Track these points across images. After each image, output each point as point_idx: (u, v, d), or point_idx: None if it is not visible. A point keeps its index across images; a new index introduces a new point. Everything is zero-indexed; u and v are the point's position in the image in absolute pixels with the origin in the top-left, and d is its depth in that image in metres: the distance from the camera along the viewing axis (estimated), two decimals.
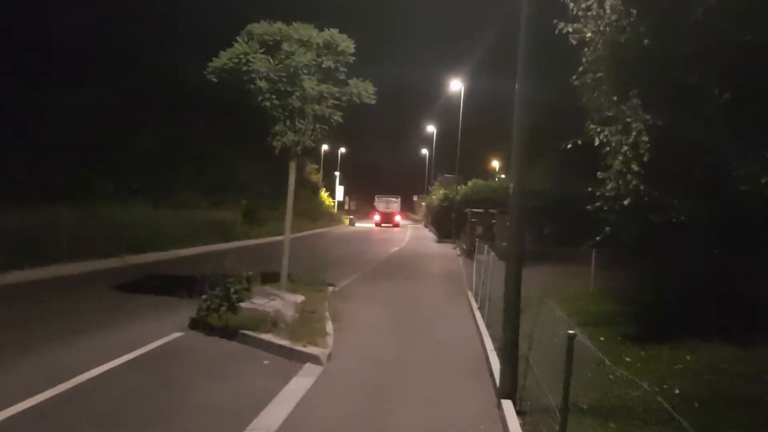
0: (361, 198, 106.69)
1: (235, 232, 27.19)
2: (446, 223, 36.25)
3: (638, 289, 12.11)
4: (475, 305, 11.44)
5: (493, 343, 7.94)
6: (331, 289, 12.58)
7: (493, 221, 26.13)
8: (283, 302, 8.29)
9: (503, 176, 44.22)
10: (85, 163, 21.15)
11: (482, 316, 10.03)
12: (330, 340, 7.82)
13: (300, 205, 48.00)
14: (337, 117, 10.00)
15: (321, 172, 64.87)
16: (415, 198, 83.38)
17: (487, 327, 9.08)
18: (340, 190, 72.69)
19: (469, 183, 36.65)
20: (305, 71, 9.21)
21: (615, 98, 7.31)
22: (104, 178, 21.87)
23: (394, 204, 60.28)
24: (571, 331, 4.20)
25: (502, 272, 10.40)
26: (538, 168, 35.86)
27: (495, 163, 61.58)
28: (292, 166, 10.39)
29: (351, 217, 64.87)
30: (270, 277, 11.48)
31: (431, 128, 57.10)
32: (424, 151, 71.14)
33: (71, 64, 23.03)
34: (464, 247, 25.50)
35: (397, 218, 60.24)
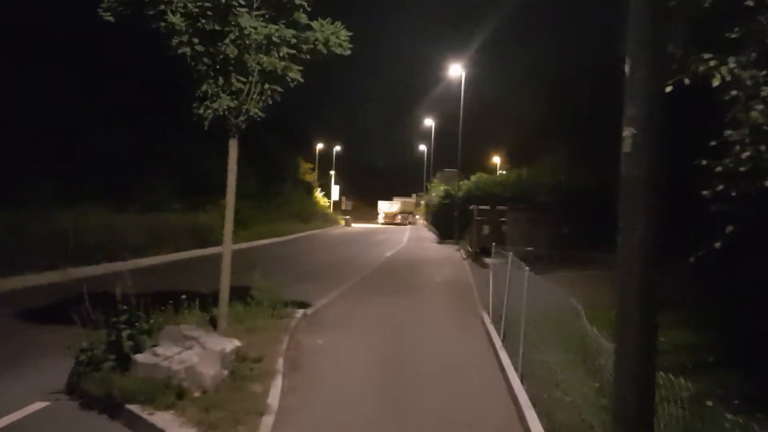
0: (359, 197, 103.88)
1: (215, 237, 24.12)
2: (448, 222, 33.21)
3: (713, 304, 9.04)
4: (495, 335, 8.31)
5: (542, 420, 4.83)
6: (301, 313, 9.47)
7: (503, 219, 23.07)
8: (204, 352, 5.23)
9: (503, 172, 41.36)
10: (26, 159, 18.05)
11: (510, 359, 6.85)
12: (266, 428, 4.73)
13: (292, 205, 45.24)
14: (295, 74, 6.93)
15: (316, 171, 61.91)
16: (413, 196, 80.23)
17: (523, 380, 6.00)
18: (335, 190, 69.66)
19: (472, 177, 33.63)
20: (242, 1, 6.17)
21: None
22: (51, 178, 18.78)
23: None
24: None
25: (535, 286, 7.52)
26: (547, 160, 32.91)
27: (496, 159, 58.64)
28: (233, 146, 7.31)
29: (347, 217, 61.92)
30: (237, 292, 8.49)
31: (429, 122, 53.98)
32: (423, 148, 68.01)
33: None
34: (470, 249, 22.43)
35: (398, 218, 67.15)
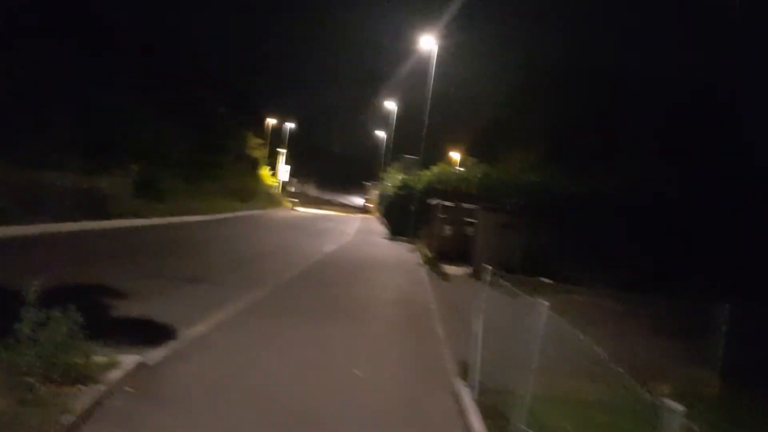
0: (312, 180, 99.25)
1: (117, 208, 19.59)
2: (402, 217, 29.43)
3: None
4: None
5: None
6: (131, 365, 5.30)
7: (468, 220, 19.43)
8: None
9: (462, 169, 37.58)
10: None
11: None
12: None
13: (231, 181, 40.51)
14: None
15: (267, 148, 57.06)
16: (367, 185, 76.57)
17: None
18: (285, 170, 64.85)
19: (434, 169, 29.94)
20: None
21: None
22: None
23: None
24: None
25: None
26: (518, 156, 29.54)
27: (456, 155, 54.96)
28: None
29: (294, 200, 57.56)
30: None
31: (391, 105, 50.00)
32: (381, 134, 63.98)
33: None
34: (429, 254, 18.66)
35: None
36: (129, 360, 5.35)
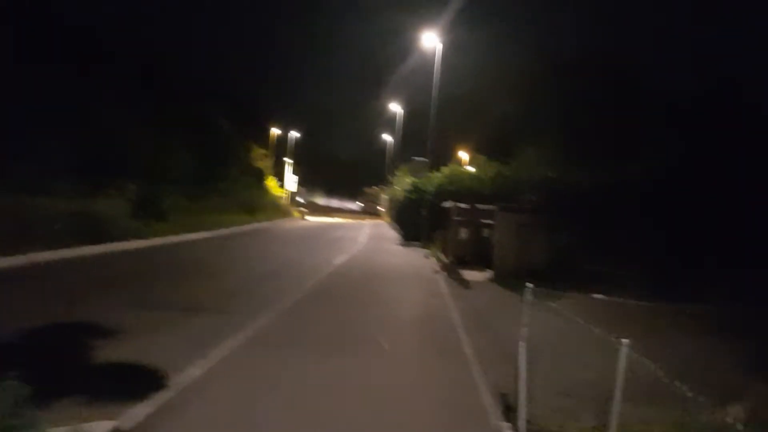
0: (320, 188, 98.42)
1: (116, 230, 18.65)
2: (414, 221, 28.38)
3: None
4: None
5: None
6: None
7: (484, 221, 18.33)
8: None
9: (473, 169, 36.34)
10: None
11: None
12: None
13: (238, 194, 39.58)
14: None
15: (272, 158, 56.21)
16: (365, 191, 76.71)
17: None
18: (292, 180, 63.95)
19: (444, 170, 28.85)
20: None
21: None
22: None
23: None
24: None
25: None
26: (532, 153, 28.29)
27: (464, 155, 53.75)
28: None
29: (302, 209, 56.65)
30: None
31: (396, 108, 48.97)
32: (387, 138, 62.96)
33: None
34: (444, 259, 17.56)
35: None
36: (99, 429, 4.32)
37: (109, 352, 6.50)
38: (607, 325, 5.07)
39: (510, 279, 14.43)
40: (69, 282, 11.26)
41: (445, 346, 7.66)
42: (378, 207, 75.44)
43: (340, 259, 18.05)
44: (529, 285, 5.02)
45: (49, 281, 11.29)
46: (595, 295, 8.73)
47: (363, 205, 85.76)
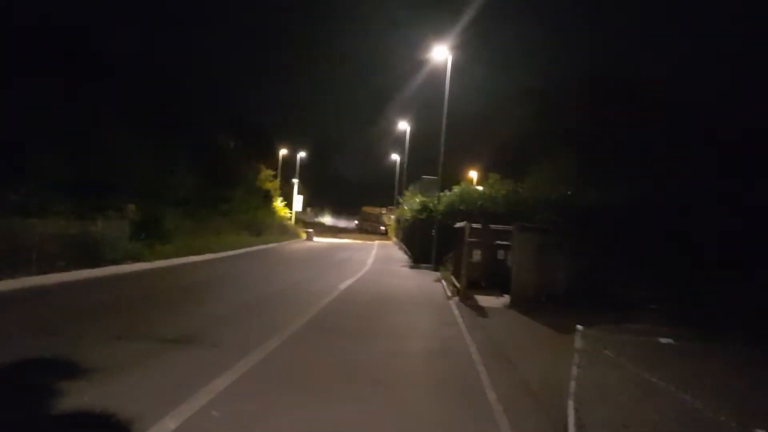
0: (327, 208, 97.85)
1: (114, 253, 17.87)
2: (424, 243, 27.46)
3: None
4: None
5: None
6: None
7: (499, 243, 17.40)
8: None
9: (481, 188, 35.39)
10: None
11: None
12: None
13: (243, 216, 38.85)
14: None
15: (279, 179, 55.64)
16: (384, 211, 75.11)
17: None
18: (298, 200, 63.35)
19: (455, 189, 27.99)
20: None
21: None
22: None
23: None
24: None
25: None
26: (546, 171, 27.39)
27: (473, 174, 52.96)
28: None
29: (309, 230, 55.87)
30: None
31: (404, 126, 48.34)
32: (395, 157, 62.32)
33: None
34: (456, 283, 16.59)
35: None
36: None
37: (79, 399, 5.60)
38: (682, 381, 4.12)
39: (529, 305, 13.47)
40: (55, 308, 10.42)
41: (464, 390, 6.69)
42: (380, 227, 74.73)
43: (345, 283, 17.12)
44: (579, 327, 4.10)
45: (32, 307, 10.46)
46: (663, 340, 7.50)
47: (357, 222, 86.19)
